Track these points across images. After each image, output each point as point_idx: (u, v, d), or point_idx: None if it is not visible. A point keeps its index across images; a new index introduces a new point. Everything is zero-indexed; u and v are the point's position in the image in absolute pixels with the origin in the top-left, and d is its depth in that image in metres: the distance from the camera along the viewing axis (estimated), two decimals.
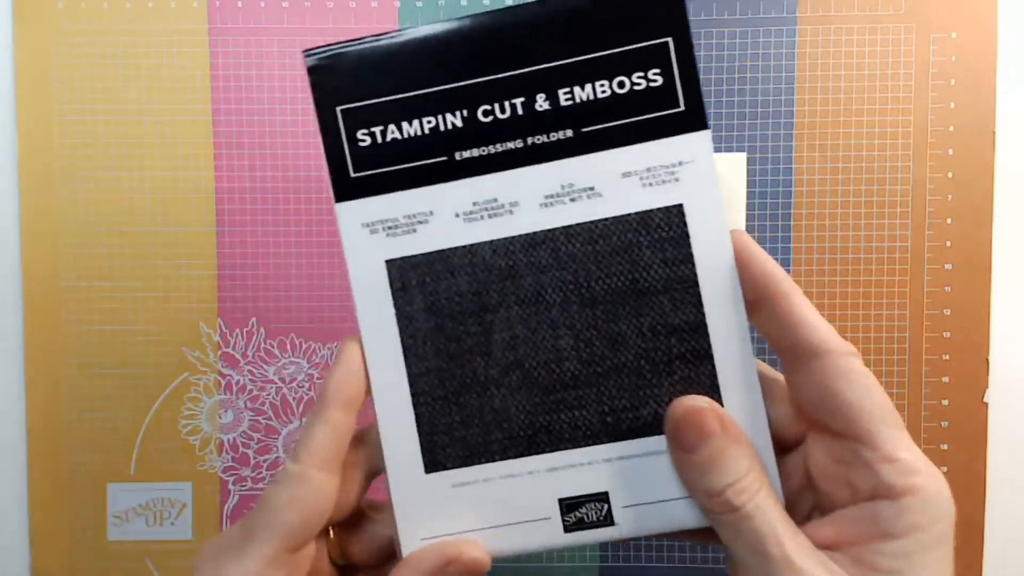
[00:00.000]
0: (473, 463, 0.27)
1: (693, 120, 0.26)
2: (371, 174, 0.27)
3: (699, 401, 0.24)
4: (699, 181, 0.26)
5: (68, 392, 0.41)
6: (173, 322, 0.41)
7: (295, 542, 0.25)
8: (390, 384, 0.27)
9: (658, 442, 0.26)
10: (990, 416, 0.40)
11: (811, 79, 0.39)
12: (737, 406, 0.26)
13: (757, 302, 0.25)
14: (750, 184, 0.40)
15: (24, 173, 0.41)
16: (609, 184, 0.26)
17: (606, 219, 0.26)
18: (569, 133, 0.26)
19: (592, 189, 0.26)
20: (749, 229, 0.40)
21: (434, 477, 0.27)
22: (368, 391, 0.27)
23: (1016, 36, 0.39)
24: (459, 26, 0.26)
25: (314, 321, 0.41)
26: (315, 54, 0.26)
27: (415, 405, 0.27)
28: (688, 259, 0.26)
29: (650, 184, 0.26)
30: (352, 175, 0.27)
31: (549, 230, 0.26)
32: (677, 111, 0.26)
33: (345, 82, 0.26)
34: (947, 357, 0.40)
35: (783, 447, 0.25)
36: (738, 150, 0.40)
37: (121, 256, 0.41)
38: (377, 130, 0.26)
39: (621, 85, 0.26)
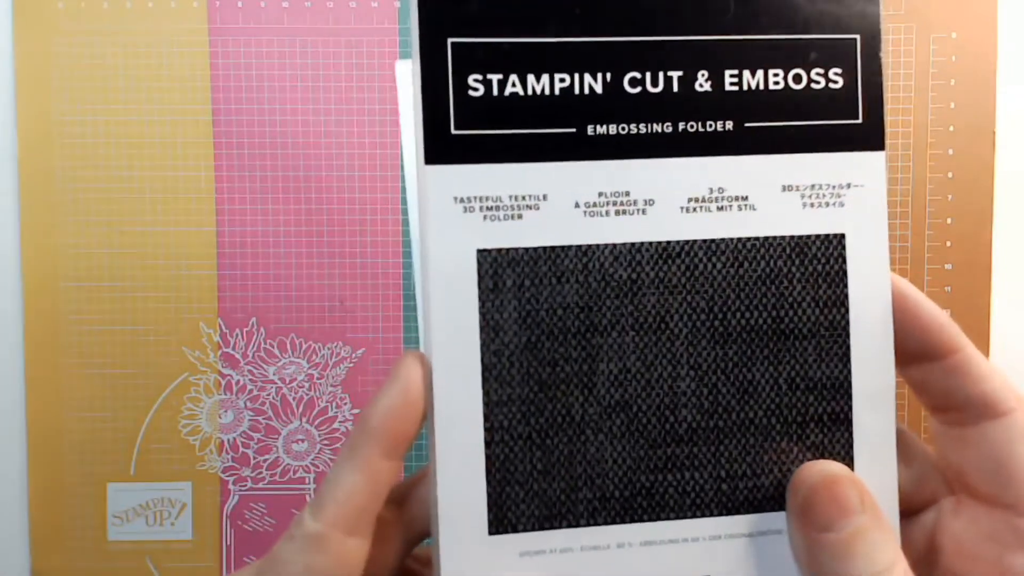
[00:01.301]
0: (551, 527, 0.21)
1: (871, 137, 0.22)
2: (478, 134, 0.21)
3: (836, 468, 0.20)
4: (866, 210, 0.22)
5: (68, 392, 0.41)
6: (173, 322, 0.41)
7: None
8: (459, 412, 0.21)
9: (779, 519, 0.21)
10: None
11: None
12: (873, 472, 0.21)
13: (921, 356, 0.21)
14: None
15: (24, 173, 0.41)
16: (766, 196, 0.21)
17: (757, 238, 0.21)
18: (730, 125, 0.21)
19: (746, 199, 0.21)
20: None
21: (499, 540, 0.21)
22: (422, 426, 0.20)
23: (1016, 36, 0.39)
24: None
25: (314, 321, 0.41)
26: None
27: (488, 443, 0.21)
28: (843, 302, 0.22)
29: (812, 204, 0.22)
30: (453, 132, 0.21)
31: (688, 241, 0.21)
32: (855, 123, 0.22)
33: (466, 6, 0.20)
34: None
35: (903, 512, 0.21)
36: None
37: (121, 256, 0.41)
38: (495, 78, 0.21)
39: (797, 79, 0.21)
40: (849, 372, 0.22)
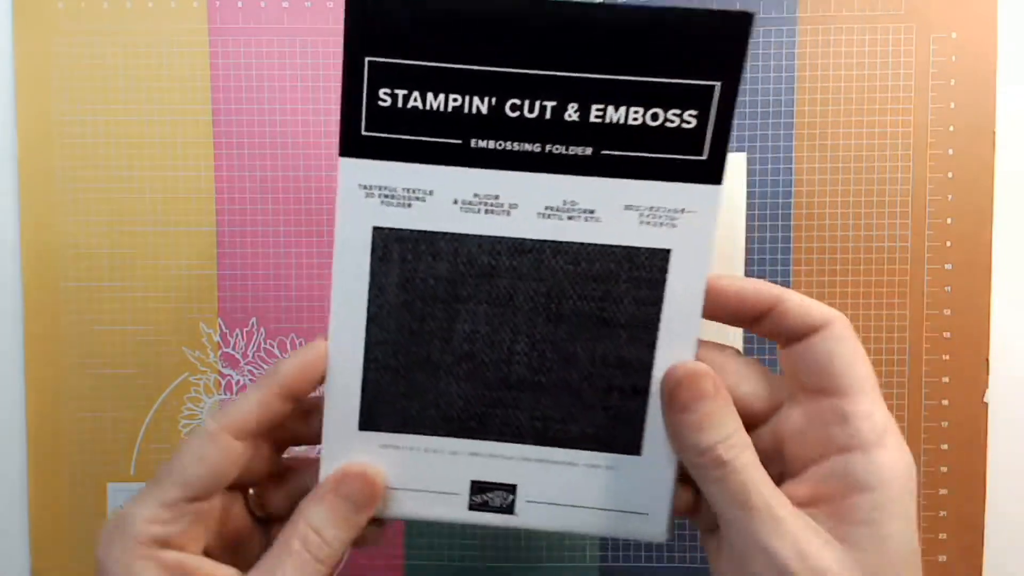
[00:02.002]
0: (404, 432, 0.28)
1: (711, 173, 0.25)
2: (382, 137, 0.25)
3: (698, 366, 0.26)
4: (695, 233, 0.26)
5: (68, 392, 0.41)
6: (173, 322, 0.41)
7: (195, 493, 0.26)
8: (347, 343, 0.27)
9: (575, 455, 0.28)
10: (990, 416, 0.40)
11: (811, 79, 0.39)
12: (659, 442, 0.28)
13: (753, 318, 0.27)
14: (750, 184, 0.40)
15: (24, 173, 0.41)
16: (610, 212, 0.26)
17: (595, 244, 0.26)
18: (588, 151, 0.25)
19: (592, 212, 0.26)
20: (749, 229, 0.40)
21: (366, 435, 0.28)
22: (314, 388, 0.28)
23: (1016, 36, 0.39)
24: (514, 6, 0.24)
25: (314, 321, 0.41)
26: None
27: (365, 368, 0.28)
28: (657, 303, 0.27)
29: (648, 223, 0.26)
30: (363, 132, 0.25)
31: (539, 240, 0.26)
32: (699, 159, 0.25)
33: (383, 32, 0.24)
34: (947, 357, 0.40)
35: (753, 423, 0.27)
36: (738, 150, 0.40)
37: (121, 256, 0.41)
38: (401, 93, 0.25)
39: (655, 117, 0.25)
40: (652, 358, 0.27)
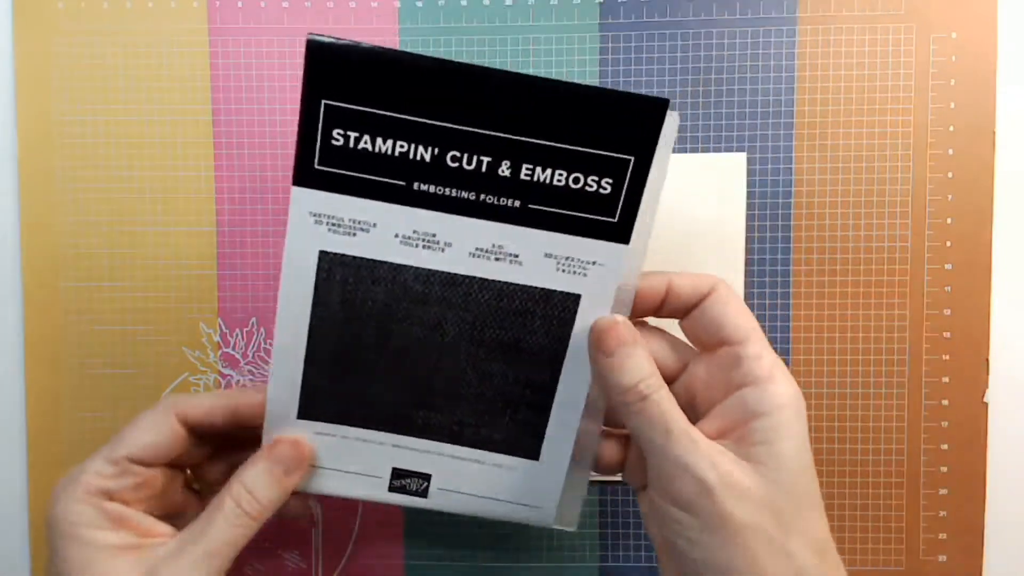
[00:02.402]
0: (337, 423, 0.32)
1: (620, 233, 0.29)
2: (333, 172, 0.28)
3: (618, 317, 0.30)
4: (602, 283, 0.30)
5: (68, 392, 0.41)
6: (173, 322, 0.41)
7: (140, 457, 0.30)
8: (290, 346, 0.31)
9: (483, 456, 0.33)
10: (990, 416, 0.40)
11: (811, 79, 0.39)
12: (555, 451, 0.33)
13: (660, 303, 0.31)
14: (750, 184, 0.40)
15: (24, 173, 0.41)
16: (532, 258, 0.29)
17: (517, 284, 0.30)
18: (516, 204, 0.29)
19: (516, 257, 0.29)
20: (749, 229, 0.40)
21: (303, 423, 0.32)
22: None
23: (1016, 36, 0.39)
24: (461, 68, 0.27)
25: None
26: (320, 41, 0.27)
27: (306, 369, 0.31)
28: (565, 338, 0.31)
29: (563, 270, 0.30)
30: (316, 166, 0.28)
31: (468, 276, 0.30)
32: (610, 220, 0.29)
33: (339, 79, 0.27)
34: (947, 357, 0.40)
35: (666, 379, 0.31)
36: (738, 150, 0.40)
37: (121, 256, 0.41)
38: (352, 135, 0.27)
39: (576, 181, 0.28)
40: (556, 383, 0.32)
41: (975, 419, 0.40)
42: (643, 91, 0.40)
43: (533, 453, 0.33)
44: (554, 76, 0.40)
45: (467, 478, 0.33)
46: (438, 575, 0.41)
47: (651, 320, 0.32)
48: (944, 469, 0.40)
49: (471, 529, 0.41)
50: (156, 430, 0.31)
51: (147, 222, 0.41)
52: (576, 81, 0.28)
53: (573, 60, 0.40)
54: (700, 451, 0.27)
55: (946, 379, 0.40)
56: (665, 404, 0.28)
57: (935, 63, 0.39)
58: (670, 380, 0.31)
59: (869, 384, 0.40)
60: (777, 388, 0.28)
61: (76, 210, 0.41)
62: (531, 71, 0.40)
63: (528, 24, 0.40)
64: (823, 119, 0.40)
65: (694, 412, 0.30)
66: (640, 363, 0.29)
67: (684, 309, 0.31)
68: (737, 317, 0.30)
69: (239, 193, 0.41)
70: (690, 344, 0.32)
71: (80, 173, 0.41)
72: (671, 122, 0.28)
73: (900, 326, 0.40)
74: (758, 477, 0.27)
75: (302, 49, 0.40)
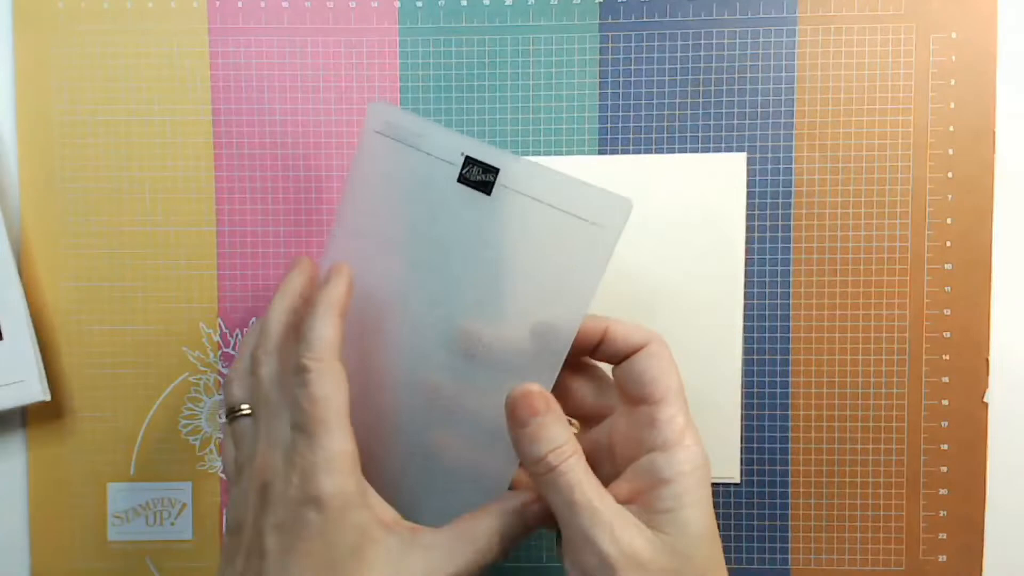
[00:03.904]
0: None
1: None
2: None
3: (532, 386, 0.30)
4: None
5: (68, 391, 0.41)
6: (173, 322, 0.41)
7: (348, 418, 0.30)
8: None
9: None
10: (990, 416, 0.40)
11: (811, 79, 0.39)
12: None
13: (594, 346, 0.31)
14: (750, 184, 0.40)
15: (24, 173, 0.41)
16: None
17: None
18: None
19: None
20: (749, 229, 0.40)
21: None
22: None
23: (1016, 36, 0.39)
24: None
25: None
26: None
27: None
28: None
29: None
30: None
31: None
32: None
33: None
34: (947, 357, 0.40)
35: (593, 421, 0.33)
36: (738, 150, 0.40)
37: (121, 256, 0.41)
38: None
39: None
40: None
41: (975, 419, 0.40)
42: (643, 91, 0.40)
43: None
44: (554, 76, 0.40)
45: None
46: None
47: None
48: (944, 469, 0.40)
49: None
50: (343, 386, 0.30)
51: (147, 222, 0.41)
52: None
53: (573, 60, 0.40)
54: (602, 522, 0.27)
55: (946, 379, 0.40)
56: (572, 475, 0.28)
57: (935, 63, 0.39)
58: (596, 421, 0.33)
59: (869, 384, 0.40)
60: (683, 455, 0.29)
61: (76, 210, 0.41)
62: (531, 71, 0.40)
63: (528, 24, 0.40)
64: (823, 119, 0.40)
65: (613, 465, 0.31)
66: (551, 434, 0.29)
67: (616, 357, 0.31)
68: (661, 375, 0.30)
69: (239, 193, 0.41)
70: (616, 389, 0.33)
71: (80, 173, 0.41)
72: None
73: (900, 326, 0.40)
74: (660, 546, 0.27)
75: (302, 49, 0.41)
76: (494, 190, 0.31)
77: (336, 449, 0.29)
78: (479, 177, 0.31)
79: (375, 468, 0.34)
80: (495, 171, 0.31)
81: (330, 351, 0.30)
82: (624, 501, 0.29)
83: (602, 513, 0.28)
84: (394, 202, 0.33)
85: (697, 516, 0.28)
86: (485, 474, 0.32)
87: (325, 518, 0.28)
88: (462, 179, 0.31)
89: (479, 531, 0.30)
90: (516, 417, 0.29)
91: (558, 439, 0.29)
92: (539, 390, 0.30)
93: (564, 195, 0.30)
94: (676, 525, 0.28)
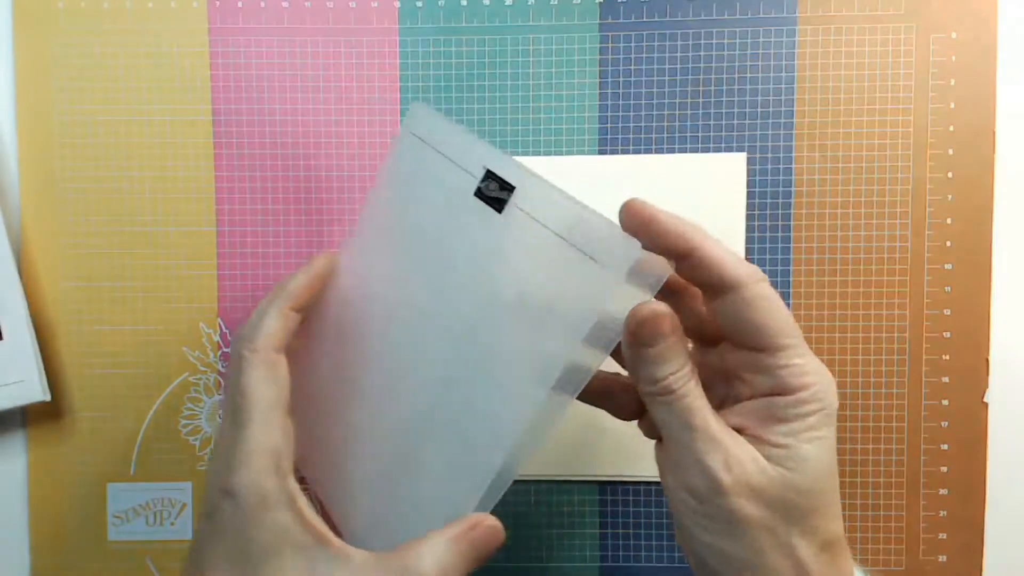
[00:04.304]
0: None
1: None
2: None
3: (660, 306, 0.28)
4: None
5: (68, 392, 0.41)
6: (173, 322, 0.41)
7: (282, 413, 0.30)
8: None
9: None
10: (990, 416, 0.40)
11: (811, 79, 0.39)
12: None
13: (680, 256, 0.29)
14: (750, 184, 0.40)
15: (24, 173, 0.41)
16: None
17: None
18: None
19: None
20: (749, 229, 0.40)
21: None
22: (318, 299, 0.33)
23: (1016, 36, 0.39)
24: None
25: None
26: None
27: None
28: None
29: None
30: None
31: None
32: None
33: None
34: (947, 357, 0.40)
35: (708, 343, 0.31)
36: (738, 150, 0.40)
37: (121, 256, 0.41)
38: None
39: None
40: None
41: (975, 419, 0.40)
42: (643, 91, 0.40)
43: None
44: (554, 76, 0.40)
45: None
46: None
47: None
48: (944, 469, 0.40)
49: None
50: (275, 379, 0.30)
51: (147, 222, 0.41)
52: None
53: (573, 60, 0.40)
54: (718, 448, 0.27)
55: (946, 379, 0.40)
56: (690, 399, 0.28)
57: (935, 63, 0.39)
58: (710, 344, 0.31)
59: (869, 384, 0.40)
60: (805, 395, 0.27)
61: (76, 210, 0.41)
62: (531, 71, 0.40)
63: (528, 24, 0.40)
64: (823, 119, 0.40)
65: (726, 389, 0.30)
66: (674, 357, 0.28)
67: (708, 289, 0.29)
68: (769, 321, 0.28)
69: (239, 193, 0.41)
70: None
71: (80, 173, 0.41)
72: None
73: (900, 326, 0.40)
74: (775, 478, 0.27)
75: (302, 49, 0.41)
76: (506, 208, 0.30)
77: (255, 444, 0.28)
78: (494, 193, 0.30)
79: (336, 483, 0.33)
80: (511, 189, 0.30)
81: (268, 342, 0.30)
82: (738, 429, 0.28)
83: (719, 441, 0.27)
84: (413, 205, 0.33)
85: (817, 453, 0.27)
86: (445, 502, 0.30)
87: (239, 511, 0.28)
88: (478, 193, 0.30)
89: (418, 559, 0.28)
90: (641, 336, 0.28)
91: (680, 362, 0.28)
92: (669, 312, 0.28)
93: (573, 225, 0.28)
94: (794, 460, 0.27)
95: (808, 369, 0.28)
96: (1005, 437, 0.40)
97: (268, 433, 0.29)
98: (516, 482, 0.40)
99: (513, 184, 0.29)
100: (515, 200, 0.29)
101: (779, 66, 0.39)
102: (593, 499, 0.41)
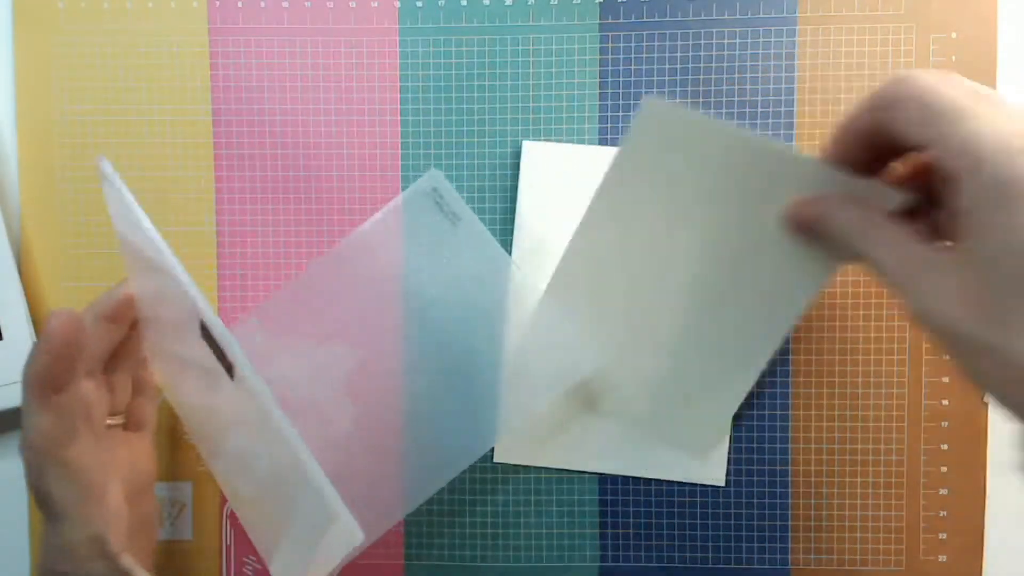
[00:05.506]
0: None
1: None
2: None
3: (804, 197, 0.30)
4: None
5: None
6: None
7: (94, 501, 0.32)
8: None
9: None
10: (990, 416, 0.40)
11: (811, 79, 0.39)
12: None
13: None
14: None
15: (24, 173, 0.41)
16: None
17: None
18: None
19: None
20: None
21: None
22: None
23: (1016, 36, 0.39)
24: None
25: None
26: None
27: None
28: None
29: None
30: None
31: None
32: None
33: None
34: (947, 357, 0.40)
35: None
36: None
37: (121, 256, 0.41)
38: None
39: None
40: None
41: (975, 419, 0.40)
42: (643, 91, 0.40)
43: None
44: (554, 76, 0.40)
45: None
46: (438, 575, 0.41)
47: None
48: (944, 469, 0.40)
49: (471, 529, 0.41)
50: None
51: None
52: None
53: (573, 60, 0.40)
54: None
55: (946, 379, 0.40)
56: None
57: (935, 63, 0.39)
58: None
59: (869, 384, 0.40)
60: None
61: (76, 210, 0.41)
62: (531, 71, 0.40)
63: (528, 24, 0.40)
64: (823, 119, 0.40)
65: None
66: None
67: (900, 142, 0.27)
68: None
69: (239, 193, 0.41)
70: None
71: (80, 173, 0.41)
72: None
73: (900, 326, 0.40)
74: None
75: (302, 49, 0.41)
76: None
77: (74, 536, 0.31)
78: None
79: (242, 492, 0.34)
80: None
81: (44, 441, 0.31)
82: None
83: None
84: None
85: None
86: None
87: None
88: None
89: None
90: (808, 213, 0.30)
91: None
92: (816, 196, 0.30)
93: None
94: None
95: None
96: (1005, 437, 0.40)
97: (84, 525, 0.31)
98: (516, 481, 0.40)
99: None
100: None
101: (779, 66, 0.39)
102: (593, 499, 0.41)
